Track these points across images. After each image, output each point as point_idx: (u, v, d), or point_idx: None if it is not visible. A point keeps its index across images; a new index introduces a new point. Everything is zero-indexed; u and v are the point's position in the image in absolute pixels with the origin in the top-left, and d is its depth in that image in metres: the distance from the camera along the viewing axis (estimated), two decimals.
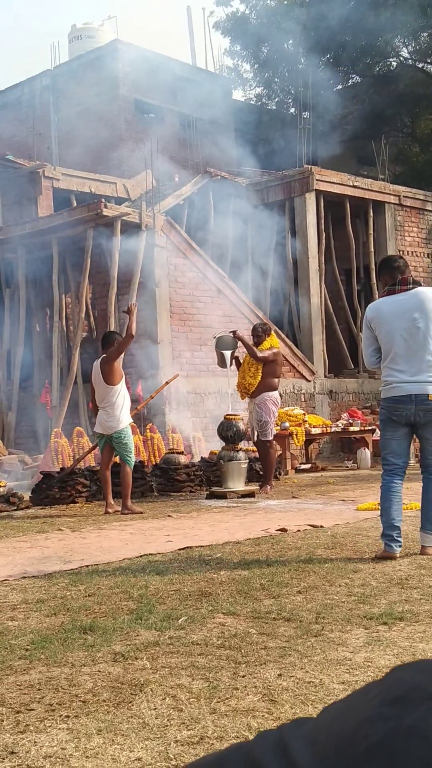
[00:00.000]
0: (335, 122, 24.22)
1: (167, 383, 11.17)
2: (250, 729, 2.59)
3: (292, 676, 3.08)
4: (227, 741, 2.48)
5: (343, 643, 3.51)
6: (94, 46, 25.09)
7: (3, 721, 2.77)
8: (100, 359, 9.19)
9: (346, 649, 3.41)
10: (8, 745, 2.55)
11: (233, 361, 10.69)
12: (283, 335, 16.33)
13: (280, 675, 3.10)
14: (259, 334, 10.71)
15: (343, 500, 9.29)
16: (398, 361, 5.61)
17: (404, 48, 28.82)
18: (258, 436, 10.56)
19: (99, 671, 3.24)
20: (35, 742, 2.57)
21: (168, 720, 2.70)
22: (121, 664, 3.33)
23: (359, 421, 15.07)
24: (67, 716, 2.77)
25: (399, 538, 5.53)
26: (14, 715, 2.82)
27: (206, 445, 13.31)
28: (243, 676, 3.10)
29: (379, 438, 6.13)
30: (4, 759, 2.45)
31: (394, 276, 5.71)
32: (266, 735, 0.76)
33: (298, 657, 3.32)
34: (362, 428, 14.92)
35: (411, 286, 5.66)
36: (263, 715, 2.71)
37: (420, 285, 5.73)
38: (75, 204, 16.95)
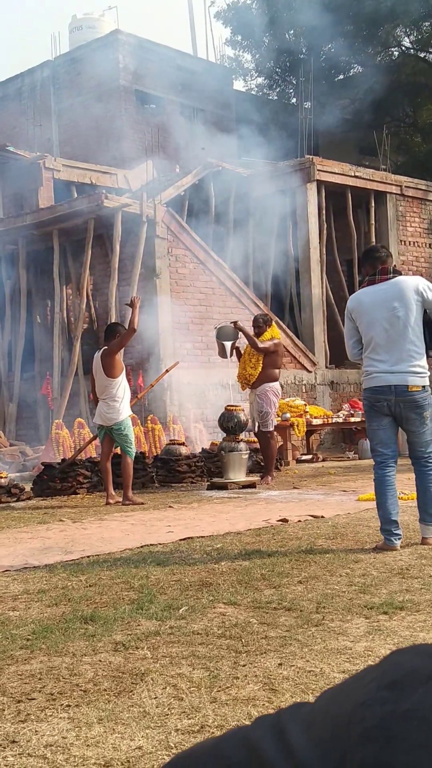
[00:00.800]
0: (336, 112, 24.14)
1: (167, 371, 11.18)
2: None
3: (293, 666, 3.08)
4: (228, 730, 2.49)
5: (343, 632, 3.52)
6: (94, 36, 25.03)
7: (4, 710, 2.78)
8: (101, 351, 9.18)
9: (346, 639, 3.42)
10: (9, 734, 2.56)
11: (234, 351, 10.68)
12: (284, 326, 16.32)
13: (280, 664, 3.11)
14: (260, 324, 10.70)
15: (344, 491, 9.29)
16: (378, 351, 5.56)
17: (406, 37, 28.73)
18: (259, 426, 10.56)
19: (100, 661, 3.25)
20: (36, 731, 2.58)
21: (169, 709, 2.70)
22: (122, 653, 3.33)
23: (360, 412, 15.06)
24: (68, 705, 2.78)
25: (397, 531, 5.51)
26: (15, 704, 2.82)
27: (207, 436, 13.31)
28: (243, 666, 3.11)
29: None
30: (5, 748, 2.46)
31: (374, 266, 5.67)
32: (264, 719, 0.76)
33: (298, 646, 3.32)
34: (363, 419, 14.90)
35: (391, 275, 5.60)
36: (264, 704, 2.71)
37: (401, 274, 5.69)
38: (76, 195, 16.92)
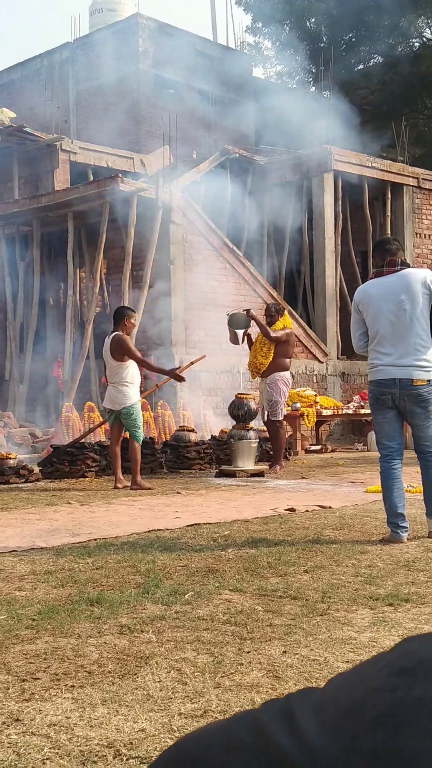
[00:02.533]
0: (355, 102, 24.01)
1: (193, 363, 11.10)
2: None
3: (297, 654, 3.09)
4: (235, 713, 2.49)
5: (348, 622, 3.52)
6: (114, 19, 24.94)
7: (9, 689, 2.79)
8: (111, 336, 9.16)
9: (351, 629, 3.42)
10: (13, 713, 2.57)
11: (245, 338, 10.67)
12: (296, 315, 16.29)
13: (284, 652, 3.11)
14: (273, 314, 10.69)
15: (353, 482, 9.30)
16: (384, 343, 5.52)
17: (427, 29, 28.51)
18: (268, 415, 10.56)
19: (105, 643, 3.26)
20: (40, 710, 2.59)
21: (172, 693, 2.71)
22: (127, 636, 3.35)
23: None
24: (73, 686, 2.80)
25: (404, 524, 5.51)
26: (20, 683, 2.84)
27: (217, 423, 13.32)
28: (248, 652, 3.11)
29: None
30: (9, 726, 2.48)
31: (384, 257, 5.63)
32: (273, 703, 0.76)
33: (303, 635, 3.33)
34: None
35: (399, 267, 5.56)
36: (267, 691, 2.72)
37: (409, 267, 5.65)
38: (92, 178, 16.90)
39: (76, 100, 24.57)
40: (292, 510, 6.95)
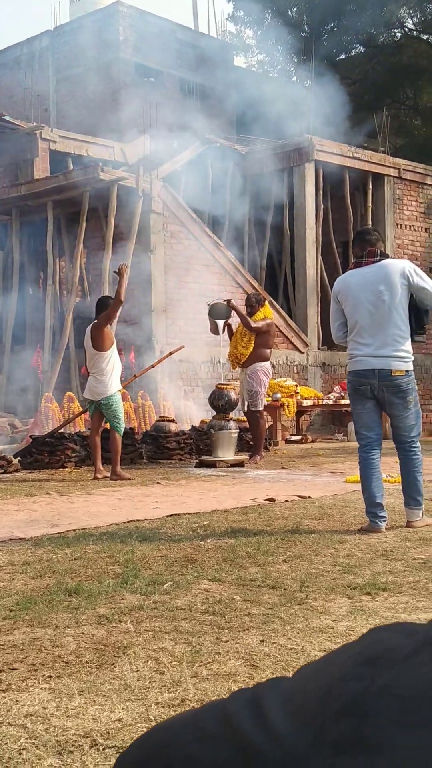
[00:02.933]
0: (337, 92, 23.99)
1: (171, 353, 11.06)
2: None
3: (275, 643, 3.10)
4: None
5: (326, 611, 3.53)
6: (95, 7, 24.74)
7: None
8: (91, 324, 9.15)
9: (328, 618, 3.43)
10: None
11: (225, 328, 10.67)
12: (277, 306, 16.30)
13: (262, 641, 3.12)
14: (253, 304, 10.69)
15: (332, 472, 9.33)
16: (363, 334, 5.53)
17: (409, 19, 28.54)
18: (248, 406, 10.57)
19: (83, 633, 3.25)
20: (17, 700, 2.58)
21: (150, 682, 2.71)
22: (105, 626, 3.34)
23: None
24: (50, 676, 2.79)
25: (382, 514, 5.53)
26: None
27: (197, 413, 13.32)
28: (225, 641, 3.12)
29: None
30: None
31: (363, 248, 5.64)
32: (241, 693, 0.77)
33: (280, 624, 3.34)
34: None
35: (378, 258, 5.57)
36: (244, 680, 2.73)
37: (388, 257, 5.65)
38: (72, 167, 16.79)
39: (56, 88, 24.40)
40: (271, 500, 6.97)
